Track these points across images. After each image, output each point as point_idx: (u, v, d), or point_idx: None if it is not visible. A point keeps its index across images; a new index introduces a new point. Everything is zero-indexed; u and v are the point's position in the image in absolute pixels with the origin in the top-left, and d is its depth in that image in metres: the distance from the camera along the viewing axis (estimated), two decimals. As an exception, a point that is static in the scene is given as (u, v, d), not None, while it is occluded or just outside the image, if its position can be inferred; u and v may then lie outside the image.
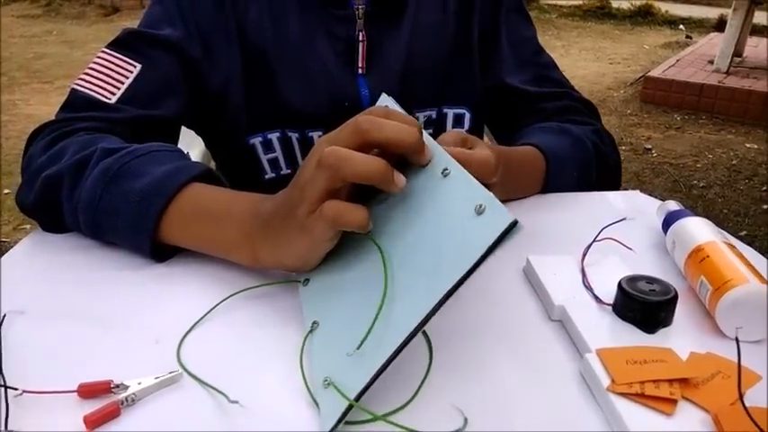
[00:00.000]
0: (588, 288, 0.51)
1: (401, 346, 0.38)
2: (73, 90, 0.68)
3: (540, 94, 0.82)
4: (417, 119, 0.77)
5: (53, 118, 0.67)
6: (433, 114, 0.80)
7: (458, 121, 0.82)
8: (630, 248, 0.59)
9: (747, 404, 0.37)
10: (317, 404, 0.40)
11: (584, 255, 0.55)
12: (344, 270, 0.48)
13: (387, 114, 0.46)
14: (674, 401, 0.39)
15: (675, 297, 0.47)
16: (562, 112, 0.81)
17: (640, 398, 0.40)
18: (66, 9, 6.29)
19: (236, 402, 0.39)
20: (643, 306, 0.46)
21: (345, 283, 0.47)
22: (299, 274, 0.51)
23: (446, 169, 0.45)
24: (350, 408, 0.37)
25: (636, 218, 0.65)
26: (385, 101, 0.56)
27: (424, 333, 0.44)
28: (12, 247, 0.59)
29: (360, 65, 0.76)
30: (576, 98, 0.84)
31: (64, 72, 4.30)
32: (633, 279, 0.49)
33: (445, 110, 0.81)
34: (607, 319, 0.48)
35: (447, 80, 0.80)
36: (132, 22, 5.99)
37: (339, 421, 0.37)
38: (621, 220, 0.62)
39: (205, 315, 0.48)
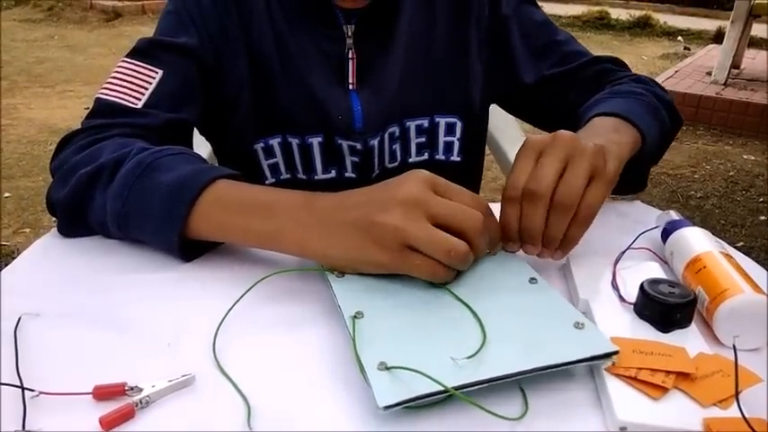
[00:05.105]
0: (615, 288, 0.53)
1: (491, 379, 0.41)
2: (97, 99, 0.70)
3: (571, 70, 0.82)
4: (408, 129, 0.81)
5: (80, 126, 0.68)
6: (425, 123, 0.82)
7: (450, 130, 0.83)
8: (663, 259, 0.61)
9: (742, 405, 0.39)
10: (368, 384, 0.41)
11: (618, 259, 0.58)
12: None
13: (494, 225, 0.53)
14: (664, 389, 0.41)
15: (694, 301, 0.49)
16: (600, 75, 0.82)
17: (632, 380, 0.42)
18: (68, 14, 6.30)
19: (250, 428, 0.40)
20: (659, 306, 0.48)
21: (392, 283, 0.51)
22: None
23: (533, 279, 0.52)
24: (441, 393, 0.39)
25: (636, 227, 0.66)
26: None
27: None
28: (12, 250, 0.60)
29: (350, 81, 0.78)
30: (605, 59, 0.85)
31: (65, 77, 4.31)
32: (655, 281, 0.50)
33: (437, 119, 0.82)
34: (626, 316, 0.50)
35: (439, 91, 0.82)
36: (134, 27, 5.98)
37: (402, 403, 0.39)
38: (654, 228, 0.64)
39: (228, 312, 0.49)
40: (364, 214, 0.50)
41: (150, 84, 0.70)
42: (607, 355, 0.43)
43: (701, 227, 0.60)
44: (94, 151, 0.62)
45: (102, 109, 0.69)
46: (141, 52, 0.72)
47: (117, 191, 0.57)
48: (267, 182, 0.81)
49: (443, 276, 0.50)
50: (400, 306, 0.49)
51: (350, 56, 0.77)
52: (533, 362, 0.42)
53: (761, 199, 2.72)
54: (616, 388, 0.42)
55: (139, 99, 0.69)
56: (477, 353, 0.43)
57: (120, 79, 0.70)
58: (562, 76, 0.82)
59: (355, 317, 0.46)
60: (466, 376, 0.40)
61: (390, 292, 0.50)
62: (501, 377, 0.41)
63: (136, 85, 0.69)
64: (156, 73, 0.71)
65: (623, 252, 0.59)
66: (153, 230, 0.57)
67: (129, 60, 0.72)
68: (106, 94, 0.69)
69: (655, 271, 0.56)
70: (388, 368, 0.41)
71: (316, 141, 0.78)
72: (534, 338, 0.44)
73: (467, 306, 0.48)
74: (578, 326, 0.45)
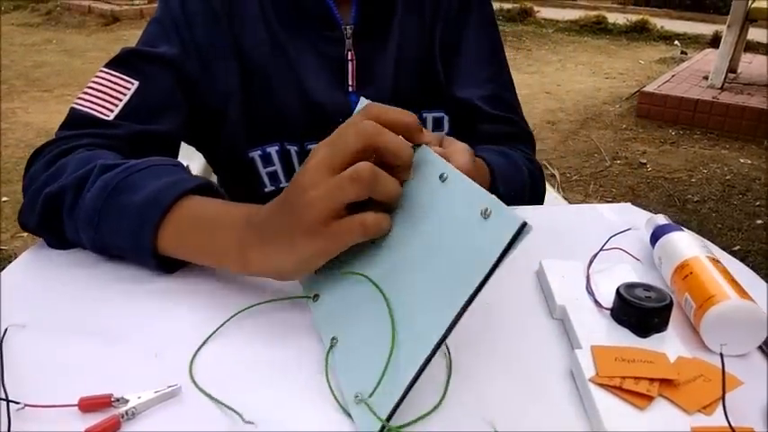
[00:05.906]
0: (590, 293, 0.54)
1: (427, 359, 0.39)
2: (71, 109, 0.69)
3: (493, 115, 0.84)
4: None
5: (53, 137, 0.68)
6: None
7: (437, 124, 0.84)
8: (638, 259, 0.61)
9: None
10: (351, 418, 0.41)
11: (591, 262, 0.58)
12: (356, 284, 0.48)
13: (385, 113, 0.47)
14: (650, 398, 0.41)
15: (670, 304, 0.49)
16: (509, 137, 0.84)
17: (617, 390, 0.42)
18: (66, 18, 6.31)
19: (252, 423, 0.40)
20: (637, 311, 0.48)
21: (359, 299, 0.47)
22: (307, 291, 0.52)
23: (443, 174, 0.45)
24: (383, 428, 0.38)
25: (628, 231, 0.67)
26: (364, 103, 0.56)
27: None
28: (10, 254, 0.60)
29: (350, 83, 0.78)
30: (522, 128, 0.88)
31: (63, 81, 4.31)
32: (631, 286, 0.51)
33: (425, 114, 0.83)
34: (603, 321, 0.50)
35: (426, 87, 0.82)
36: (132, 31, 5.98)
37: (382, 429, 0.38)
38: (628, 230, 0.65)
39: (215, 332, 0.49)
40: (288, 212, 0.47)
41: (125, 95, 0.69)
42: (519, 234, 0.38)
43: (698, 231, 0.60)
44: (56, 170, 0.61)
45: (74, 119, 0.69)
46: (120, 62, 0.72)
47: (87, 217, 0.56)
48: (266, 189, 0.80)
49: (376, 224, 0.46)
50: (368, 302, 0.46)
51: (349, 57, 0.77)
52: (455, 307, 0.39)
53: (757, 203, 2.73)
54: (602, 399, 0.42)
55: (111, 111, 0.68)
56: (391, 352, 0.41)
57: (96, 89, 0.70)
58: (482, 115, 0.83)
59: (331, 346, 0.46)
60: (405, 377, 0.39)
61: (362, 297, 0.46)
62: (433, 351, 0.39)
63: (110, 96, 0.69)
64: (132, 84, 0.70)
65: (595, 255, 0.59)
66: (127, 255, 0.57)
67: (106, 70, 0.71)
68: (80, 105, 0.69)
69: (627, 274, 0.56)
70: (361, 400, 0.40)
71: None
72: (450, 268, 0.41)
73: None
74: (485, 214, 0.40)
